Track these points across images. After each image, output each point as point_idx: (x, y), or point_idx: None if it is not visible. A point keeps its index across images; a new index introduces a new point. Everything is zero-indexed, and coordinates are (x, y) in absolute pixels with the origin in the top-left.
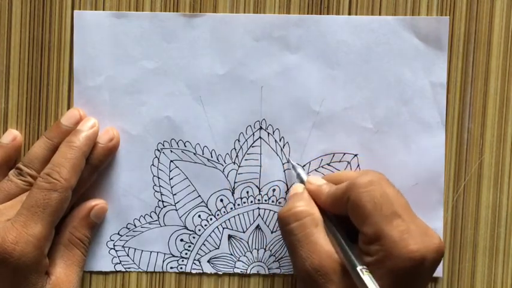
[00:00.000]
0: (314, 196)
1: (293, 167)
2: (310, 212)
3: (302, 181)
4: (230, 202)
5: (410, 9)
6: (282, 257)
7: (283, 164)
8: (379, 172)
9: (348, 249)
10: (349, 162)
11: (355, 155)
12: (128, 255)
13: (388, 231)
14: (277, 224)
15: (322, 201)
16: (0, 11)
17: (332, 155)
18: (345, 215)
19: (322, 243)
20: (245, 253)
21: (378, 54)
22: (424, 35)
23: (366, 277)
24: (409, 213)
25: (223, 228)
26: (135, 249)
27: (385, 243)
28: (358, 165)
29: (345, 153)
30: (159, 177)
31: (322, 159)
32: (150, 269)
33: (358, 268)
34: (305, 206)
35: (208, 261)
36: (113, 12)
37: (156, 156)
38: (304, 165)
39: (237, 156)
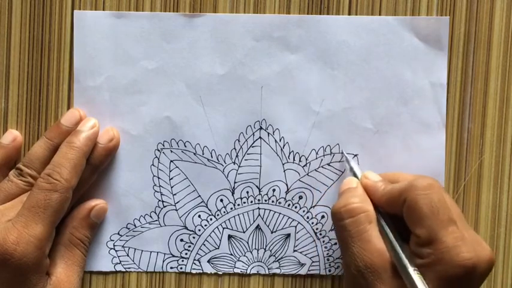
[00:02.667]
0: (369, 191)
1: (346, 160)
2: (365, 209)
3: (355, 175)
4: (230, 202)
5: (410, 9)
6: (282, 257)
7: (283, 164)
8: (434, 178)
9: (399, 249)
10: None
11: (355, 155)
12: (127, 255)
13: (442, 236)
14: (276, 223)
15: (377, 197)
16: (0, 11)
17: (332, 155)
18: (396, 214)
19: (374, 241)
20: (245, 253)
21: (378, 54)
22: (424, 35)
23: (417, 278)
24: (464, 222)
25: (223, 228)
26: (135, 249)
27: (438, 248)
28: (358, 165)
29: None
30: (159, 177)
31: (322, 159)
32: (150, 269)
33: (410, 269)
34: (360, 202)
35: (208, 261)
36: (113, 12)
37: (156, 156)
38: (304, 166)
39: (237, 156)
